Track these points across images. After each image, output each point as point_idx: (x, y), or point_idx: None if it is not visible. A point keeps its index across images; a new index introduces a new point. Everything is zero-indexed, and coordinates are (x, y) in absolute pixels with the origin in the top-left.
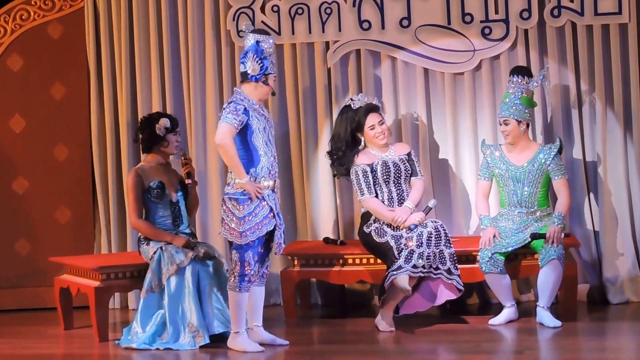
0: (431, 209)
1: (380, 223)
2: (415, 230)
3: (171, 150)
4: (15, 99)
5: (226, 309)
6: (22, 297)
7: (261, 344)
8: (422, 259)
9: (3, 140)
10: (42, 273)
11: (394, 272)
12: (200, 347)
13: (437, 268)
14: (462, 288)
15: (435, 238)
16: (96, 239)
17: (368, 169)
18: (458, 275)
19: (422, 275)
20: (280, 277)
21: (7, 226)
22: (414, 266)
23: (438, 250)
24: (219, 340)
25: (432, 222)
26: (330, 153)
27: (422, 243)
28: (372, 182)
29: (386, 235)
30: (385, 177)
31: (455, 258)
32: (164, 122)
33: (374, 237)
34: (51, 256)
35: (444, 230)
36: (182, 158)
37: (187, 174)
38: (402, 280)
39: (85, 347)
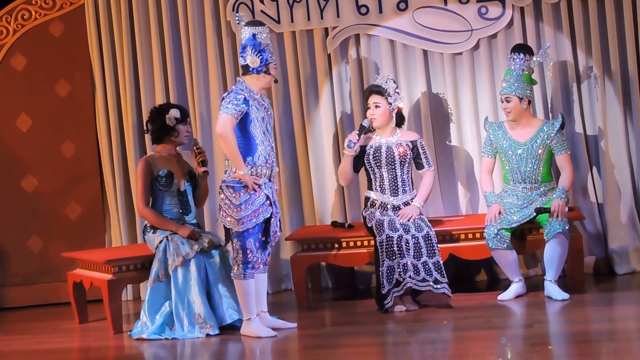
0: (365, 127)
1: (371, 210)
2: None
3: (181, 140)
4: (20, 98)
5: (235, 296)
6: (37, 293)
7: (272, 329)
8: (403, 272)
9: (10, 140)
10: (55, 269)
11: (387, 303)
12: (213, 335)
13: (423, 279)
14: (450, 295)
15: (414, 249)
16: (107, 233)
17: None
18: (447, 283)
19: (410, 286)
20: (291, 262)
21: (19, 224)
22: (397, 283)
23: (421, 262)
24: (231, 329)
25: (416, 229)
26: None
27: (394, 254)
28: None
29: (372, 221)
30: (376, 161)
31: (441, 266)
32: (174, 112)
33: (366, 222)
34: (63, 251)
35: (425, 240)
36: (195, 147)
37: (201, 162)
38: (397, 307)
39: (100, 339)
